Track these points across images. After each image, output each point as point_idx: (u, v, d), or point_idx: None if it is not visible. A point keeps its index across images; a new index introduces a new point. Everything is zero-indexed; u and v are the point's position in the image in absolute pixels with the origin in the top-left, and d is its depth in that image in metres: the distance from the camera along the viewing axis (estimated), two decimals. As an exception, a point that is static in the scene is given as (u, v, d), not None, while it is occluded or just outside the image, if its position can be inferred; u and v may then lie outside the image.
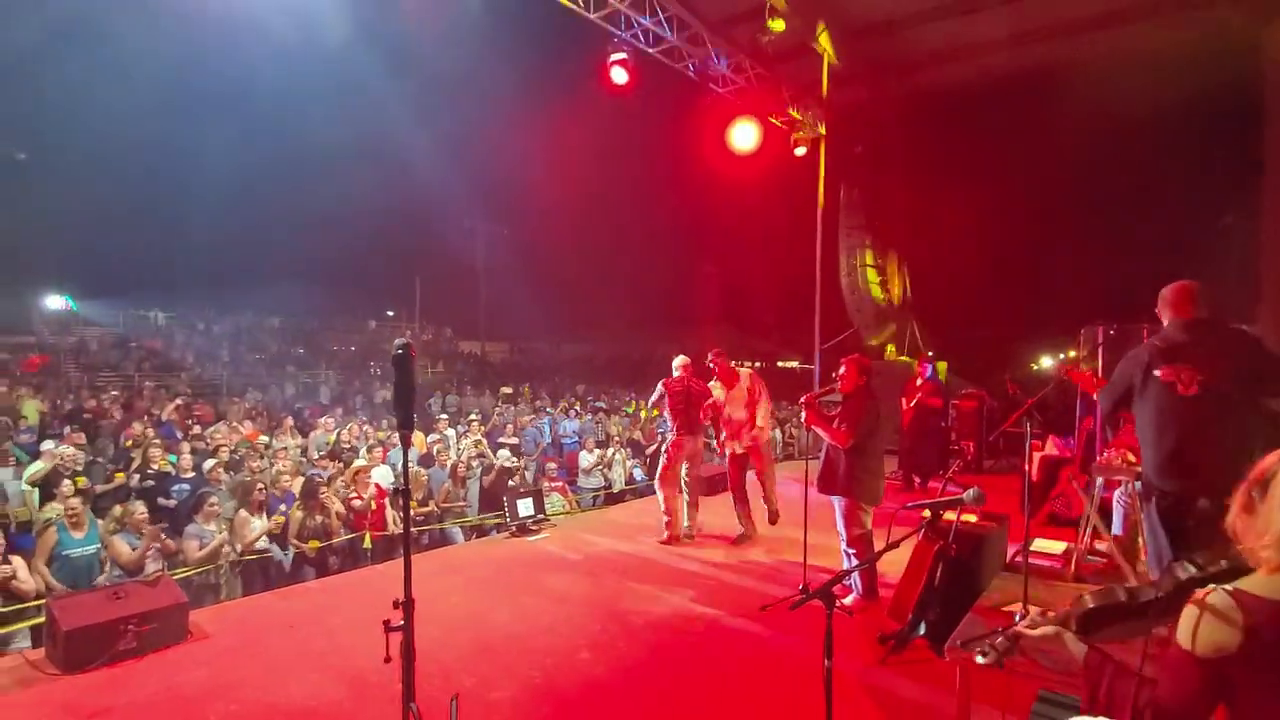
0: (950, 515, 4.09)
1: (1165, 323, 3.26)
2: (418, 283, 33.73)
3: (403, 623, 1.74)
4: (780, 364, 29.92)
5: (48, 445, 8.03)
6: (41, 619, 4.51)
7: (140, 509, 5.61)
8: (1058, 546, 4.87)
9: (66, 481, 6.28)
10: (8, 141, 21.48)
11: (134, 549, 5.37)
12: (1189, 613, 1.41)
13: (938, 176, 11.49)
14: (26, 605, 4.87)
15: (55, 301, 24.16)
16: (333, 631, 4.23)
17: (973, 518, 4.46)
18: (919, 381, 9.01)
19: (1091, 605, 1.86)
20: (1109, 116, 9.24)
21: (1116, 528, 4.61)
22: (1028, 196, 12.06)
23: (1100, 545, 4.82)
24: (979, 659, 2.07)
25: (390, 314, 35.53)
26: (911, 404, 8.88)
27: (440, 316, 34.45)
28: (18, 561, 5.04)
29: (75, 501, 5.54)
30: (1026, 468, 3.60)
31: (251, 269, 24.47)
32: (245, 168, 21.63)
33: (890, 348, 12.46)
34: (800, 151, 10.46)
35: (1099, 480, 4.45)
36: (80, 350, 20.22)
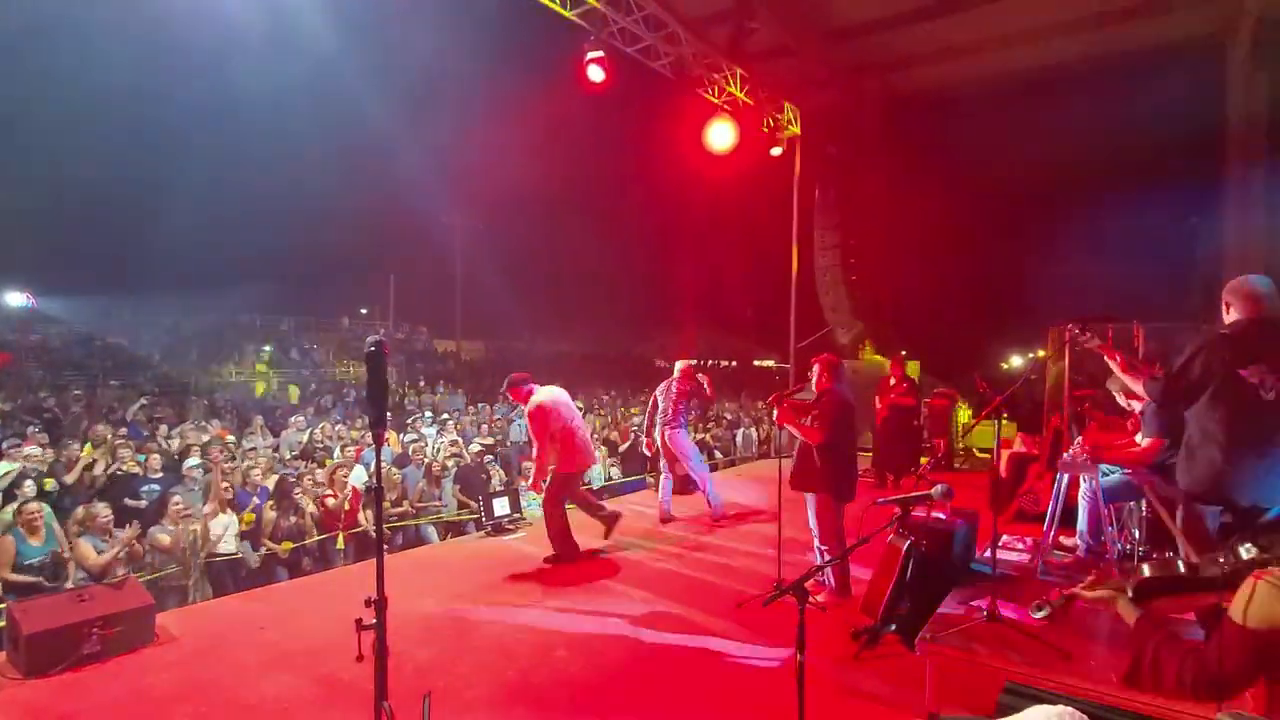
0: (920, 512, 4.18)
1: (1230, 319, 3.05)
2: (392, 280, 33.39)
3: (375, 621, 1.71)
4: (756, 363, 30.17)
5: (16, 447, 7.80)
6: (1, 623, 4.41)
7: (104, 511, 5.49)
8: (1024, 542, 4.99)
9: (29, 483, 6.11)
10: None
11: (99, 552, 5.25)
12: (1246, 587, 1.49)
13: (911, 177, 11.67)
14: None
15: (15, 298, 23.51)
16: (305, 632, 4.18)
17: (943, 514, 4.56)
18: (892, 381, 9.13)
19: (1148, 574, 1.90)
20: (1080, 120, 9.46)
21: (1080, 524, 4.72)
22: (999, 198, 12.30)
23: (1066, 541, 4.94)
24: (1035, 614, 2.14)
25: (364, 312, 35.10)
26: (885, 403, 9.00)
27: (415, 315, 34.13)
28: (-24, 564, 4.91)
29: (34, 506, 5.40)
30: (996, 463, 3.66)
31: (221, 266, 23.99)
32: (215, 163, 21.27)
33: (868, 346, 12.61)
34: (776, 151, 10.55)
35: (1064, 477, 4.55)
36: (41, 348, 19.68)
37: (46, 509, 5.81)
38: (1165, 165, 10.26)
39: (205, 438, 9.19)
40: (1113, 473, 4.34)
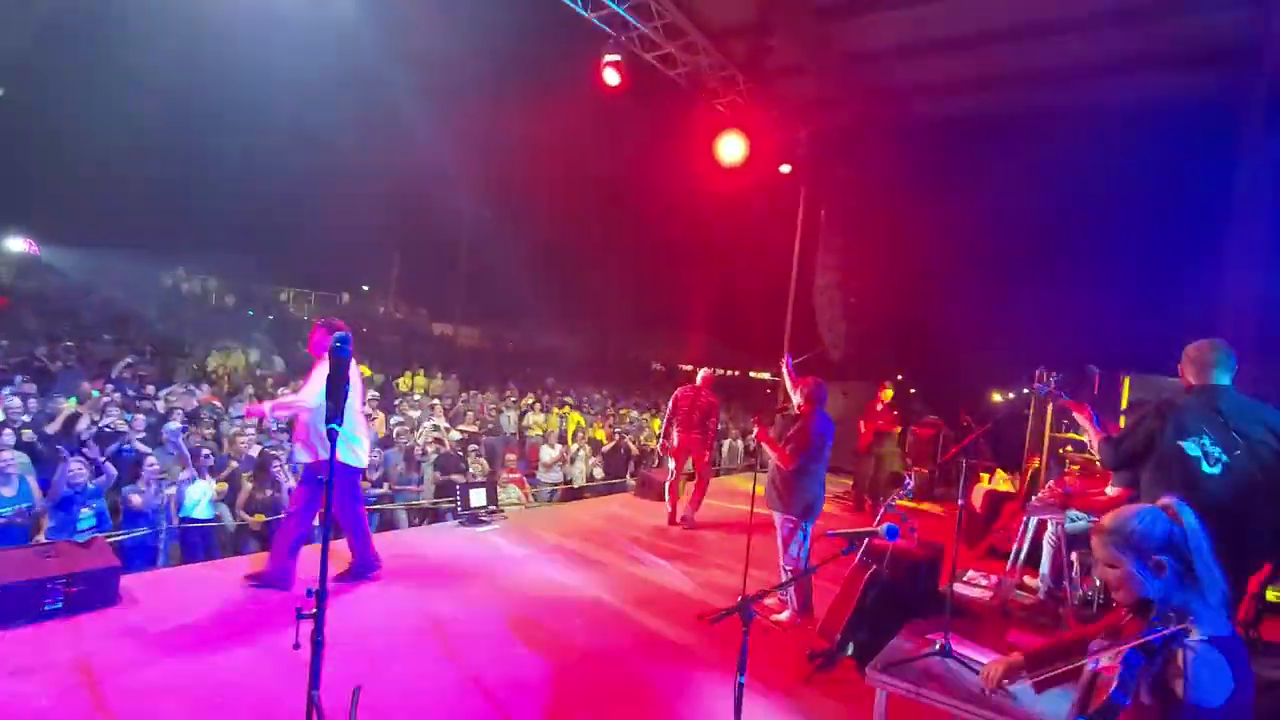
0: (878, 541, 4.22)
1: (1188, 384, 3.06)
2: (396, 259, 33.36)
3: (314, 611, 1.74)
4: (753, 374, 30.20)
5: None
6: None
7: (78, 467, 5.50)
8: (989, 579, 5.04)
9: (8, 432, 6.13)
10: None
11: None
12: None
13: (915, 204, 11.71)
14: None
15: (17, 244, 23.44)
16: (267, 609, 4.20)
17: (902, 542, 4.60)
18: (879, 406, 9.18)
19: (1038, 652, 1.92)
20: (1084, 162, 9.50)
21: (1044, 567, 4.77)
22: (1002, 232, 12.33)
23: (1030, 581, 4.99)
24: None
25: (365, 289, 35.05)
26: (870, 428, 9.05)
27: (416, 295, 34.10)
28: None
29: (9, 455, 5.42)
30: (960, 500, 3.70)
31: (225, 233, 23.92)
32: (226, 131, 21.21)
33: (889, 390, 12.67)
34: (785, 169, 10.60)
35: (1033, 519, 4.60)
36: (39, 297, 19.62)
37: (24, 459, 5.85)
38: (1171, 214, 10.30)
39: (194, 402, 9.20)
40: (1080, 519, 4.39)
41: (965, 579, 4.95)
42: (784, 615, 4.71)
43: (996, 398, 15.39)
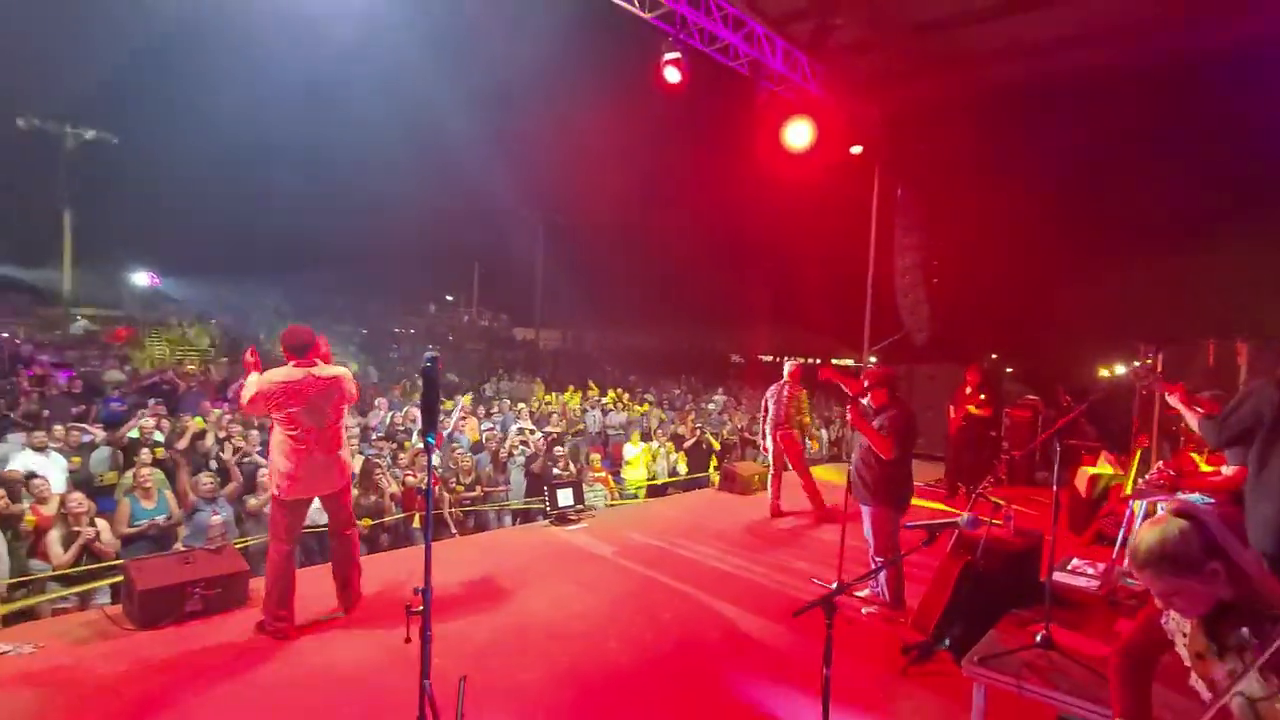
0: (977, 530, 4.08)
1: None
2: (476, 269, 34.54)
3: (421, 608, 1.89)
4: (834, 361, 29.49)
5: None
6: (117, 578, 4.96)
7: (207, 479, 6.04)
8: (1096, 567, 4.77)
9: (145, 450, 6.78)
10: (103, 126, 22.95)
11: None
12: None
13: (1000, 176, 11.14)
14: (106, 565, 5.33)
15: (141, 278, 25.76)
16: (379, 607, 4.50)
17: (997, 531, 4.41)
18: (968, 390, 8.81)
19: None
20: (1183, 121, 8.77)
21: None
22: (1097, 199, 11.55)
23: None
24: None
25: (450, 299, 36.48)
26: (960, 413, 8.70)
27: (497, 302, 35.21)
28: (101, 524, 5.51)
29: (147, 471, 6.01)
30: (1055, 485, 3.53)
31: (319, 252, 25.52)
32: (317, 159, 22.58)
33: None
34: (856, 150, 10.30)
35: (1142, 502, 4.33)
36: (161, 325, 21.53)
37: (159, 474, 6.46)
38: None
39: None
40: (1196, 502, 4.10)
41: (1069, 568, 4.70)
42: (874, 608, 4.64)
43: (1103, 373, 14.47)
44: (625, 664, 3.87)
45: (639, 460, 10.11)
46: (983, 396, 8.61)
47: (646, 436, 11.07)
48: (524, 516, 8.30)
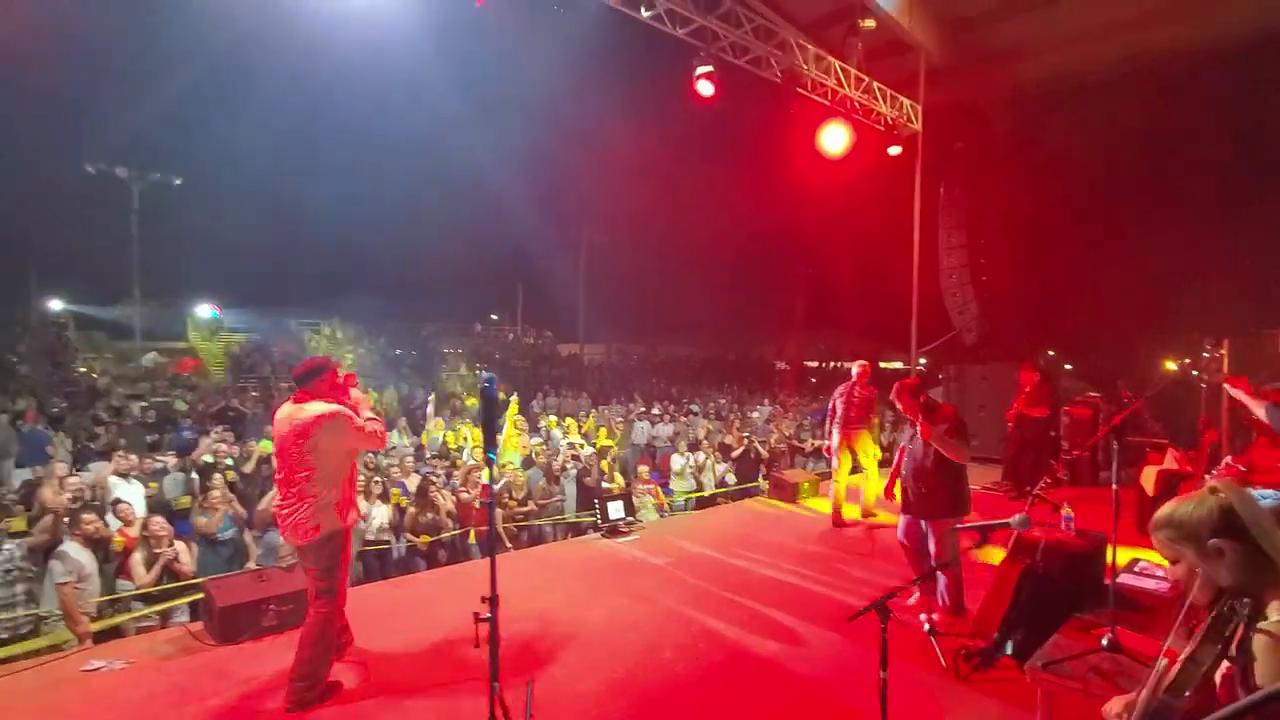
0: (1036, 531, 4.00)
1: None
2: (520, 288, 35.14)
3: (489, 616, 1.99)
4: (882, 364, 28.97)
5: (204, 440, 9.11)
6: (197, 595, 5.23)
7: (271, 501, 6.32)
8: (1165, 568, 4.61)
9: (218, 475, 7.14)
10: (166, 168, 24.35)
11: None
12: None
13: (1047, 169, 10.87)
14: (184, 584, 5.63)
15: (204, 310, 27.02)
16: (440, 620, 4.65)
17: (1057, 533, 4.32)
18: (1027, 388, 8.58)
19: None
20: (1247, 102, 8.42)
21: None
22: (1155, 188, 11.12)
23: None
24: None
25: (494, 318, 37.18)
26: (1013, 413, 8.50)
27: (541, 319, 35.73)
28: (180, 545, 5.83)
29: (218, 493, 6.34)
30: (1114, 484, 3.45)
31: (368, 278, 26.42)
32: (362, 190, 23.42)
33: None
34: (894, 151, 10.22)
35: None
36: (225, 354, 22.55)
37: (229, 495, 6.79)
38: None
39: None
40: (1269, 497, 3.95)
41: (1137, 569, 4.56)
42: (935, 615, 4.57)
43: (1169, 366, 13.88)
44: (681, 673, 3.91)
45: (686, 471, 10.15)
46: (1037, 395, 8.38)
47: (694, 447, 11.10)
48: (575, 530, 8.42)
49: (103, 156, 22.88)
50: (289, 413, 3.65)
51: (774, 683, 3.83)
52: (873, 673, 3.85)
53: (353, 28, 9.69)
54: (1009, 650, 3.88)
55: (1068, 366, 13.70)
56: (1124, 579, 4.21)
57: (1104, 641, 3.13)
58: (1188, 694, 1.47)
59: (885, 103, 9.87)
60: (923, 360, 12.28)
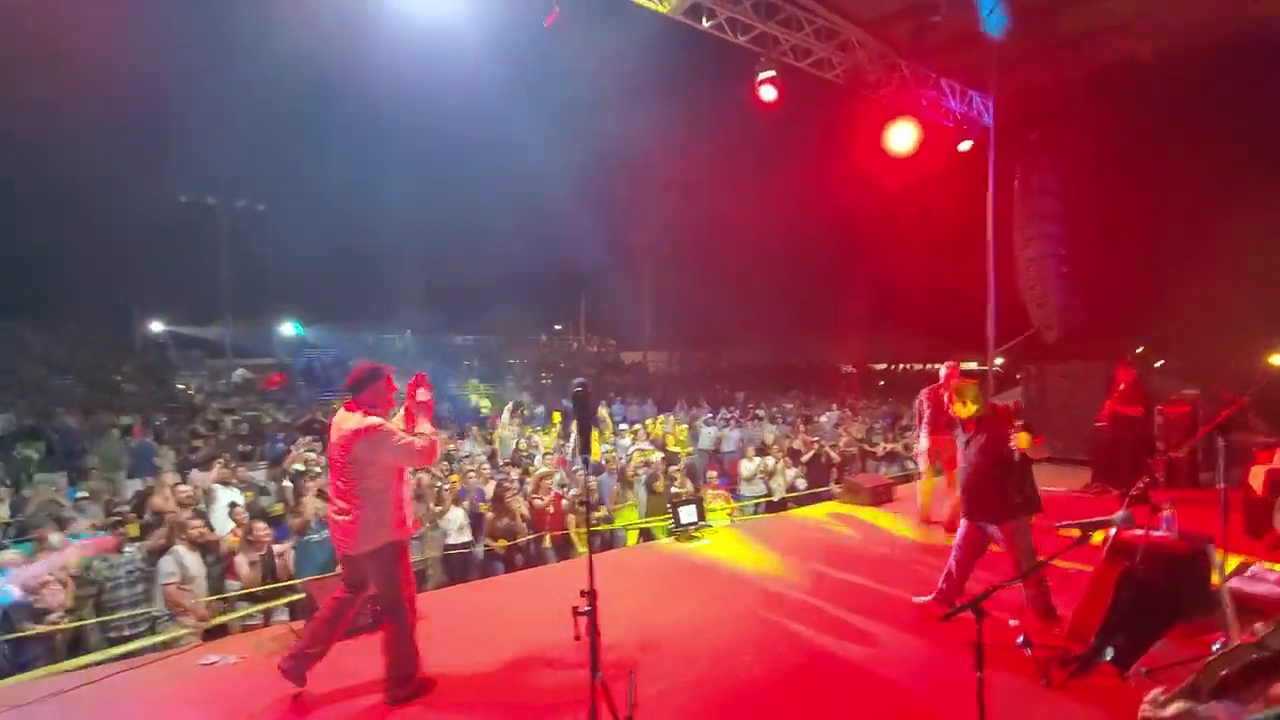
0: (1136, 533, 3.83)
1: None
2: (583, 298, 35.64)
3: (589, 609, 2.08)
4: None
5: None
6: (297, 596, 5.54)
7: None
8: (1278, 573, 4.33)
9: (310, 482, 7.55)
10: (251, 196, 25.97)
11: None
12: None
13: (1131, 155, 10.35)
14: (285, 584, 5.97)
15: (287, 328, 28.51)
16: (523, 618, 4.80)
17: (1158, 536, 4.10)
18: (1121, 386, 8.18)
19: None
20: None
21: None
22: (1244, 174, 10.41)
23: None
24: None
25: (558, 328, 37.80)
26: (1107, 411, 8.11)
27: (604, 328, 36.11)
28: (278, 548, 6.19)
29: (308, 499, 6.69)
30: (1220, 484, 3.28)
31: (437, 293, 27.32)
32: (431, 206, 24.25)
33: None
34: (965, 146, 9.95)
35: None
36: (308, 370, 23.71)
37: (320, 503, 7.15)
38: None
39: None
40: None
41: (1249, 573, 4.30)
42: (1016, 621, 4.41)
43: (1275, 361, 12.94)
44: (760, 675, 3.91)
45: (755, 476, 10.09)
46: (1131, 392, 7.97)
47: (762, 452, 11.03)
48: (646, 535, 8.49)
49: (193, 187, 24.62)
50: (337, 421, 3.72)
51: (856, 685, 3.79)
52: (958, 676, 3.78)
53: (422, 46, 10.12)
54: (1108, 656, 3.72)
55: (1159, 363, 12.95)
56: (1235, 583, 3.98)
57: (1214, 647, 2.98)
58: None
59: (955, 97, 9.62)
60: (999, 360, 11.85)
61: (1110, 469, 8.05)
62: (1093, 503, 7.97)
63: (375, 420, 3.59)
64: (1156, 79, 9.50)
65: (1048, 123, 10.87)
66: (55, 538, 5.71)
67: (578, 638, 2.15)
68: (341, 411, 3.76)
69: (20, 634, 5.04)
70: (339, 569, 3.90)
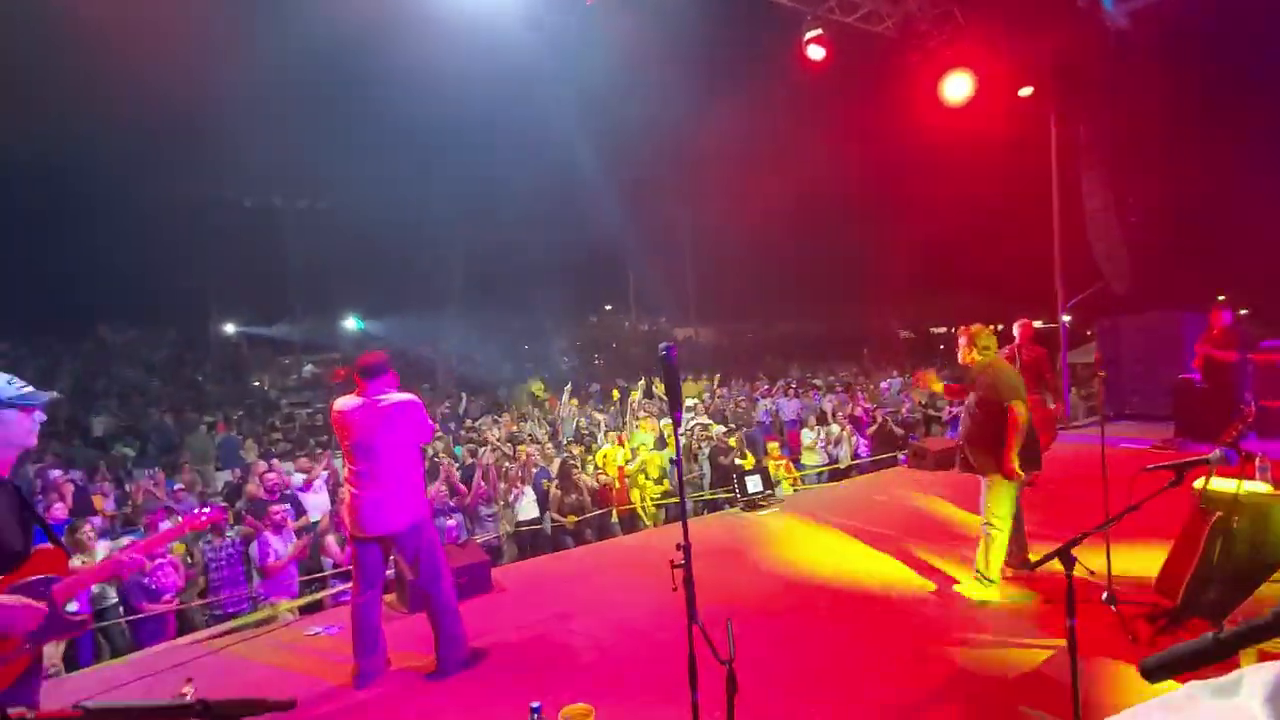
0: (1225, 483, 3.70)
1: None
2: (630, 276, 35.66)
3: (684, 562, 2.21)
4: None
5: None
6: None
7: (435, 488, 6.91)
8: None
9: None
10: (315, 197, 26.88)
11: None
12: None
13: (1200, 98, 9.74)
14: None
15: (349, 322, 29.49)
16: (601, 587, 4.97)
17: (1267, 486, 3.94)
18: (1215, 331, 7.81)
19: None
20: None
21: None
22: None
23: None
24: None
25: (609, 308, 37.98)
26: (1200, 356, 7.77)
27: (653, 305, 36.09)
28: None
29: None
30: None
31: (491, 281, 27.76)
32: (479, 194, 24.54)
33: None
34: (1025, 92, 9.52)
35: None
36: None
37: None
38: None
39: (497, 431, 10.87)
40: None
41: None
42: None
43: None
44: (837, 632, 3.99)
45: (817, 445, 10.05)
46: (1227, 337, 7.61)
47: (823, 420, 10.96)
48: (711, 506, 8.58)
49: (258, 189, 25.62)
50: (362, 403, 3.67)
51: (935, 641, 3.80)
52: (1040, 629, 3.75)
53: (466, 35, 10.23)
54: (1200, 611, 3.63)
55: (1244, 311, 12.27)
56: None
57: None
58: None
59: (1012, 45, 9.21)
60: (1067, 316, 11.43)
61: (1197, 423, 7.70)
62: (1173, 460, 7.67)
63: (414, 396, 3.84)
64: (1227, 18, 8.89)
65: (1109, 70, 10.30)
66: (165, 524, 6.16)
67: (675, 589, 2.28)
68: (354, 397, 3.75)
69: (141, 615, 5.48)
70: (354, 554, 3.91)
